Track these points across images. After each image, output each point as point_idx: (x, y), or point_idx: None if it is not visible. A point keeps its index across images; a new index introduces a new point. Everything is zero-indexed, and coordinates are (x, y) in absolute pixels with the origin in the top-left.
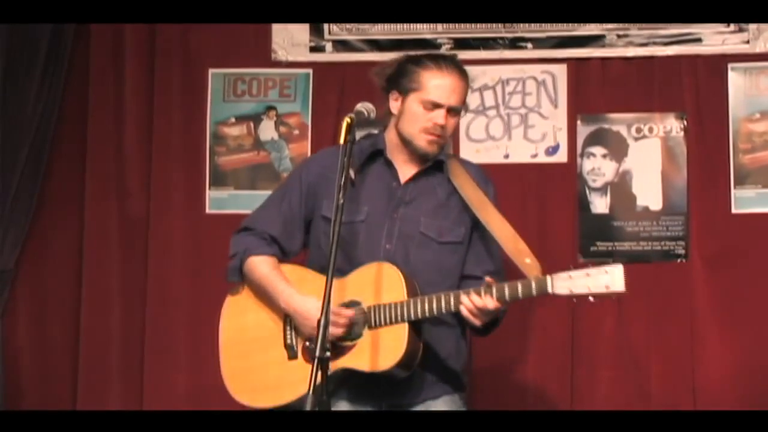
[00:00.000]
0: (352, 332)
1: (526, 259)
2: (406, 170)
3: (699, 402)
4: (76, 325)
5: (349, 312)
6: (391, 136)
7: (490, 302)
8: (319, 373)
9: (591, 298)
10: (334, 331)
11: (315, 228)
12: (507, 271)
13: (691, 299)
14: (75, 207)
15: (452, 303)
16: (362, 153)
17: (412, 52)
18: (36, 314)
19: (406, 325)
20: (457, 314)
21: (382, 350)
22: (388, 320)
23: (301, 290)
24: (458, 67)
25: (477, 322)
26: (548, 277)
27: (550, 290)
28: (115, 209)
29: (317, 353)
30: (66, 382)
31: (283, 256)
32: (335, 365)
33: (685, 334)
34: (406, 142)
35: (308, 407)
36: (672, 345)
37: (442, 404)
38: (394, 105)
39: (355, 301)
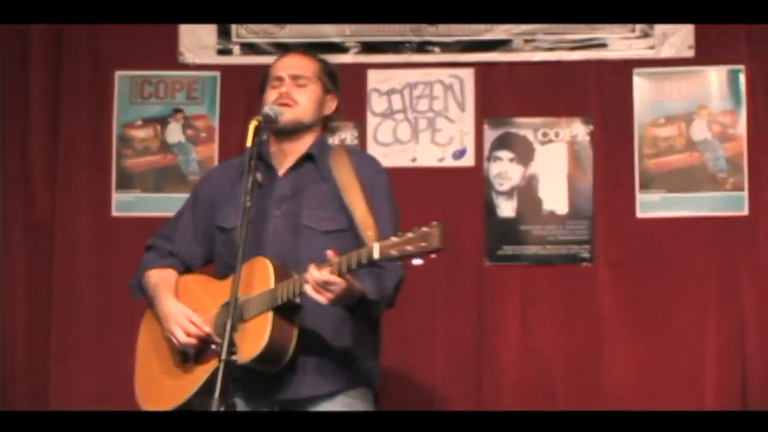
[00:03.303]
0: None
1: (368, 232)
2: (285, 166)
3: (603, 403)
4: None
5: (205, 329)
6: (270, 139)
7: (326, 275)
8: (221, 376)
9: (416, 261)
10: (184, 339)
11: (215, 239)
12: None
13: (596, 302)
14: None
15: (301, 282)
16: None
17: None
18: None
19: (269, 314)
20: (359, 304)
21: (247, 341)
22: (254, 311)
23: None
24: (297, 48)
25: (322, 299)
26: (375, 244)
27: (376, 256)
28: (20, 211)
29: (222, 356)
30: None
31: (185, 269)
32: (215, 363)
33: (590, 337)
34: (274, 133)
35: (214, 409)
36: (577, 347)
37: (338, 404)
38: None
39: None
